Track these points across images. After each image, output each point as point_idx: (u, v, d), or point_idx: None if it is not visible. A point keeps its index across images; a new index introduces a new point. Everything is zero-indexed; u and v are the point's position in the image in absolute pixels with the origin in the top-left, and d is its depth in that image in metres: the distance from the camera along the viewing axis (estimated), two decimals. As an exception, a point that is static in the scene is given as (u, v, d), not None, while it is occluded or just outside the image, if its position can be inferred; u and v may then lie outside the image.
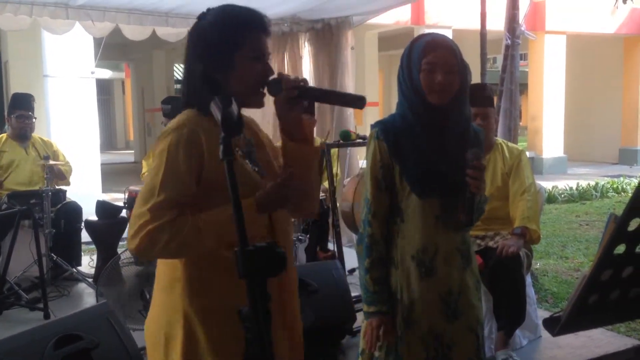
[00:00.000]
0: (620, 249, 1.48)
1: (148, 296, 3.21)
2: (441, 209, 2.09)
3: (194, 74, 1.73)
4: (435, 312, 2.11)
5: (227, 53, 1.70)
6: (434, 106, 2.05)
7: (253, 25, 1.72)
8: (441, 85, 2.02)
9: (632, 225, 1.45)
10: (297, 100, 1.72)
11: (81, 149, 8.19)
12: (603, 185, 10.25)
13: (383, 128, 2.14)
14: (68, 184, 5.21)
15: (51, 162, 4.83)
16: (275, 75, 1.75)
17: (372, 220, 2.13)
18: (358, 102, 1.79)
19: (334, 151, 4.94)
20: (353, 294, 3.56)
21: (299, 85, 1.72)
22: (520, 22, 5.50)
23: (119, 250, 4.96)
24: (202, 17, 1.75)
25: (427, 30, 8.52)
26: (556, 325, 1.56)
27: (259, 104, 1.77)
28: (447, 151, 2.08)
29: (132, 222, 1.62)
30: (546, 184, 9.05)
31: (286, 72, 6.35)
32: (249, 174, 1.72)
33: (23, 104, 5.10)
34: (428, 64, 2.03)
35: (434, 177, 2.07)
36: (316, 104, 1.84)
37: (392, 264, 2.15)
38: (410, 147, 2.09)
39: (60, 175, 5.10)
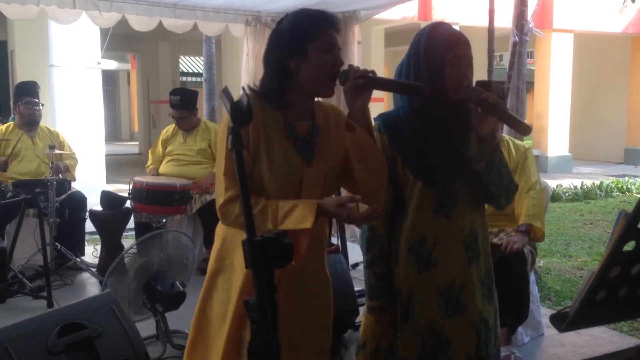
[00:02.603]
0: (630, 246, 1.47)
1: (154, 287, 3.20)
2: (441, 200, 2.07)
3: (270, 61, 1.93)
4: (433, 306, 2.09)
5: (300, 41, 1.89)
6: (446, 101, 2.02)
7: (323, 20, 1.92)
8: (467, 79, 2.00)
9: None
10: (363, 89, 1.90)
11: (86, 139, 8.20)
12: (608, 185, 10.22)
13: (384, 121, 2.13)
14: (74, 179, 5.21)
15: (57, 151, 4.83)
16: (345, 67, 1.92)
17: None
18: (419, 90, 1.94)
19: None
20: (356, 289, 3.56)
21: (365, 74, 1.88)
22: (528, 19, 5.49)
23: (123, 241, 4.98)
24: (281, 20, 1.97)
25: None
26: (563, 322, 1.55)
27: (329, 94, 1.95)
28: (450, 142, 2.06)
29: (219, 193, 1.88)
30: (551, 183, 9.01)
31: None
32: (291, 162, 1.91)
33: (29, 91, 5.09)
34: (456, 58, 1.98)
35: (437, 168, 2.05)
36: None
37: (393, 260, 2.13)
38: (413, 138, 2.06)
39: (67, 170, 5.12)
